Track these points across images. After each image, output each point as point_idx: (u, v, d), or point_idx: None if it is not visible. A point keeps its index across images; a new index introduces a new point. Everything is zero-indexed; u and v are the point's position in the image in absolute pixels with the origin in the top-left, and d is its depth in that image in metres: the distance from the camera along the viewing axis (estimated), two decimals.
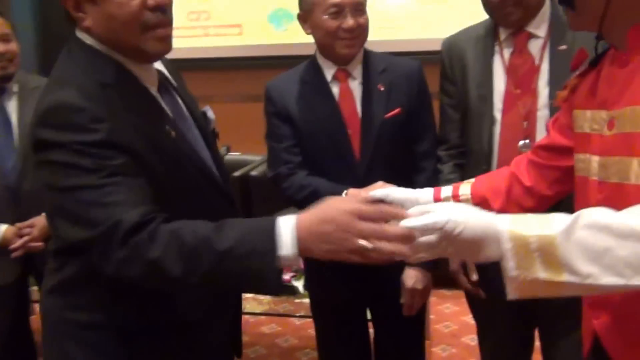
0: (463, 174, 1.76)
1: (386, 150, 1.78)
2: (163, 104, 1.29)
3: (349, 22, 1.70)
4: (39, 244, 2.10)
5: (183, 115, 1.34)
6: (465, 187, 1.41)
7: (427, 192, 1.39)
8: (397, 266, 1.79)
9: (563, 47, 1.59)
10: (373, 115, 1.77)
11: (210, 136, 1.41)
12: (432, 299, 2.65)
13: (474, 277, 1.72)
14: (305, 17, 1.79)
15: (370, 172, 1.75)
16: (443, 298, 3.54)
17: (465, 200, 1.36)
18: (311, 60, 1.87)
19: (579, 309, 1.36)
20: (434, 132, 1.87)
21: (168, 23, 1.22)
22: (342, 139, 1.79)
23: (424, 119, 1.83)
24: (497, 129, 1.65)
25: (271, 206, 4.01)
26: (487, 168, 1.64)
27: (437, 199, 1.38)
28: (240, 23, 4.49)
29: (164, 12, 1.19)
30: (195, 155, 1.31)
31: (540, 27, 1.63)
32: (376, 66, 1.81)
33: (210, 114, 1.44)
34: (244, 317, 3.22)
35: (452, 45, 1.77)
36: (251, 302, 2.70)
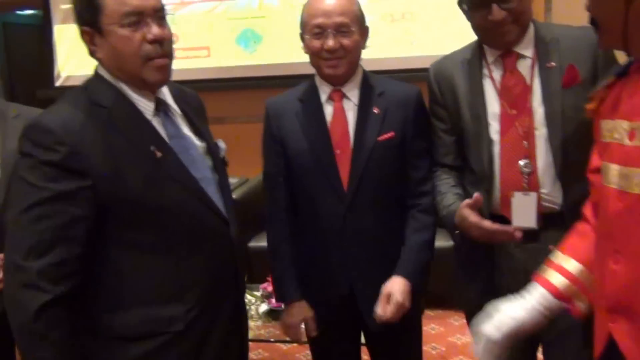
0: (463, 198, 1.71)
1: (376, 174, 1.77)
2: (157, 127, 1.41)
3: (329, 42, 1.71)
4: None
5: (182, 138, 1.44)
6: (570, 264, 1.36)
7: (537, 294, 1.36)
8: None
9: (552, 64, 1.60)
10: (365, 138, 1.76)
11: (219, 162, 1.51)
12: None
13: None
14: (302, 38, 1.81)
15: (356, 195, 1.75)
16: (428, 319, 3.47)
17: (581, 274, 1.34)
18: (311, 79, 1.89)
19: (585, 329, 1.37)
20: (430, 157, 1.85)
21: (165, 55, 1.38)
22: (328, 160, 1.78)
23: (421, 145, 1.82)
24: (496, 149, 1.64)
25: (250, 228, 3.99)
26: (489, 188, 1.64)
27: (556, 293, 1.35)
28: (209, 45, 4.45)
29: (162, 45, 1.36)
30: (183, 175, 1.39)
31: (527, 48, 1.63)
32: (374, 89, 1.81)
33: (222, 144, 1.55)
34: None
35: (440, 70, 1.76)
36: None
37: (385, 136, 1.77)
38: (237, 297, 1.53)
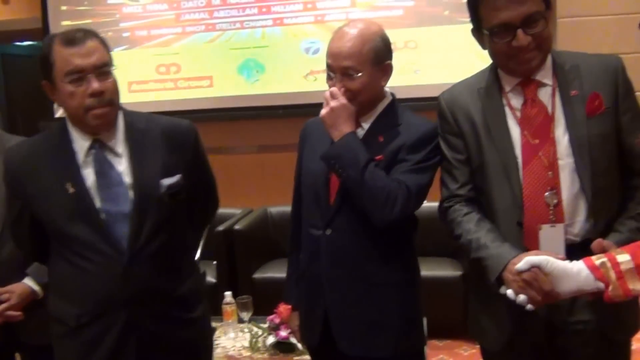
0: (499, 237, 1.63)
1: None
2: (83, 165, 1.68)
3: (333, 88, 1.74)
4: (18, 313, 1.99)
5: (110, 179, 1.68)
6: (623, 256, 1.38)
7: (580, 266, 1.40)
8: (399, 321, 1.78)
9: (575, 92, 1.57)
10: None
11: (150, 197, 1.68)
12: (426, 350, 2.56)
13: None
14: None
15: (337, 218, 1.78)
16: (436, 349, 3.47)
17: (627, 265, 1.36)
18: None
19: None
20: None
21: (106, 104, 1.62)
22: (322, 182, 1.82)
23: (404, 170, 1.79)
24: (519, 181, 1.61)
25: (255, 259, 3.98)
26: (520, 221, 1.58)
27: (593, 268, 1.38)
28: (211, 75, 4.47)
29: (102, 96, 1.60)
30: (88, 209, 1.65)
31: (547, 76, 1.60)
32: (391, 120, 1.81)
33: (167, 181, 1.70)
34: None
35: (453, 99, 1.71)
36: None
37: (377, 158, 1.75)
38: (135, 317, 1.69)
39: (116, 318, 1.68)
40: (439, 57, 4.13)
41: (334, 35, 1.77)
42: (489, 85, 1.66)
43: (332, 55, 1.73)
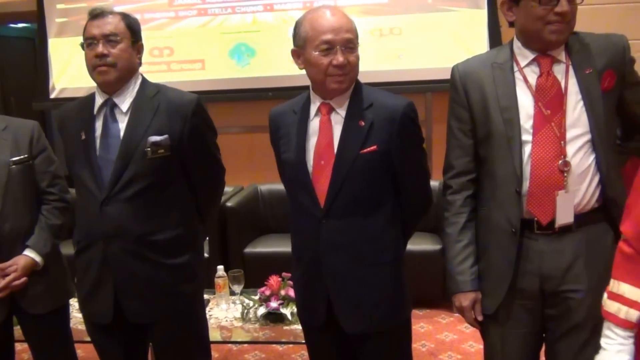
0: (476, 202, 1.79)
1: (356, 184, 1.80)
2: (97, 118, 1.98)
3: (339, 58, 1.74)
4: (22, 281, 2.12)
5: (109, 130, 1.96)
6: (635, 293, 1.42)
7: None
8: (384, 300, 1.85)
9: (589, 70, 1.65)
10: (348, 150, 1.80)
11: (135, 151, 1.94)
12: None
13: (480, 317, 1.80)
14: (298, 53, 1.82)
15: (334, 205, 1.80)
16: (417, 318, 3.60)
17: None
18: (307, 92, 1.91)
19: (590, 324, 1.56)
20: (423, 169, 1.92)
21: (106, 64, 1.92)
22: (303, 173, 1.84)
23: (409, 156, 1.85)
24: (527, 150, 1.66)
25: (245, 235, 4.10)
26: (519, 190, 1.66)
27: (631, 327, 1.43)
28: (203, 58, 4.58)
29: (105, 57, 1.91)
30: (89, 152, 1.96)
31: (560, 53, 1.67)
32: (363, 102, 1.82)
33: (154, 139, 1.94)
34: (228, 346, 3.27)
35: (468, 72, 1.76)
36: (238, 331, 2.72)
37: (369, 149, 1.79)
38: (111, 253, 1.96)
39: (97, 250, 1.96)
40: (422, 44, 4.26)
41: (317, 14, 1.77)
42: (504, 61, 1.72)
43: (333, 29, 1.73)
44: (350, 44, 1.76)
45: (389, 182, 1.86)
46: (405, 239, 1.96)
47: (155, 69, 4.54)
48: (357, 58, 1.79)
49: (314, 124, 1.86)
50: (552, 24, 1.60)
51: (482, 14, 4.16)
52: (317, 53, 1.75)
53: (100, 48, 1.90)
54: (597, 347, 1.56)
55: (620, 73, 1.66)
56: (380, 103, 1.82)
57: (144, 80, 2.04)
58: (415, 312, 3.55)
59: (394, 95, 1.88)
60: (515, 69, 1.71)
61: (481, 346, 3.14)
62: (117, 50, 1.92)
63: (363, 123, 1.80)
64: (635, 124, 1.74)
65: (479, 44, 4.10)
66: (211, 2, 4.51)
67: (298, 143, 1.85)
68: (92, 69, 1.94)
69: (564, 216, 1.64)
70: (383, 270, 1.86)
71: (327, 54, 1.74)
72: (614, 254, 1.51)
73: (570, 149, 1.64)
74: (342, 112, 1.83)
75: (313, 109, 1.86)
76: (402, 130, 1.80)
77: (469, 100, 1.75)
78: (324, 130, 1.84)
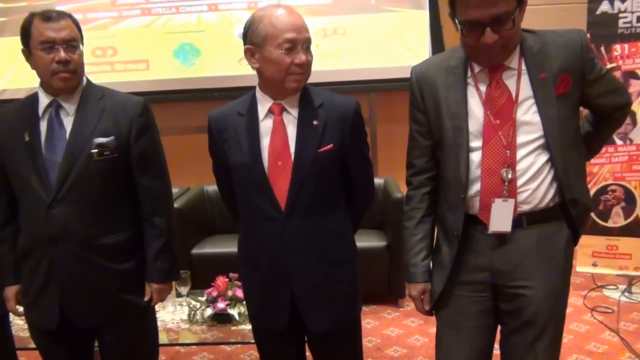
0: (434, 199, 1.83)
1: (315, 183, 1.81)
2: (40, 119, 1.96)
3: (302, 57, 1.74)
4: None
5: (55, 132, 1.94)
6: None
7: None
8: (335, 299, 1.88)
9: (544, 75, 1.65)
10: (306, 150, 1.80)
11: (81, 151, 1.93)
12: None
13: (427, 307, 1.88)
14: (253, 51, 1.79)
15: (296, 204, 1.81)
16: (364, 314, 3.57)
17: None
18: (251, 93, 1.89)
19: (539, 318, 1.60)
20: (369, 160, 1.98)
21: (68, 71, 1.91)
22: (260, 175, 1.82)
23: (358, 151, 1.89)
24: (476, 157, 1.69)
25: (192, 236, 4.07)
26: (464, 197, 1.70)
27: None
28: (147, 59, 4.54)
29: (66, 64, 1.90)
30: (35, 155, 1.92)
31: (513, 60, 1.67)
32: (313, 101, 1.84)
33: (99, 140, 1.94)
34: (175, 348, 3.25)
35: (423, 75, 1.78)
36: (185, 332, 2.70)
37: (325, 148, 1.80)
38: (58, 257, 1.93)
39: (42, 254, 1.93)
40: (366, 44, 4.32)
41: (277, 12, 1.76)
42: (458, 65, 1.72)
43: (295, 28, 1.73)
44: (309, 44, 1.78)
45: (340, 179, 1.89)
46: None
47: (99, 69, 4.47)
48: (312, 57, 1.81)
49: (266, 124, 1.84)
50: (481, 51, 1.61)
51: (424, 15, 4.25)
52: (279, 51, 1.74)
53: (63, 54, 1.88)
54: (547, 344, 1.63)
55: (579, 73, 1.66)
56: (329, 102, 1.85)
57: (89, 82, 2.02)
58: (362, 309, 3.57)
59: (340, 96, 1.91)
60: (469, 74, 1.71)
61: (426, 340, 3.27)
62: (76, 56, 1.92)
63: (317, 122, 1.81)
64: (604, 113, 1.79)
65: (421, 44, 4.20)
66: (155, 2, 4.47)
67: (251, 145, 1.83)
68: (52, 74, 1.89)
69: (499, 223, 1.68)
70: (344, 268, 1.90)
71: (289, 52, 1.74)
72: (569, 253, 1.54)
73: (520, 153, 1.66)
74: (295, 112, 1.83)
75: (262, 109, 1.85)
76: (354, 127, 1.85)
77: (424, 104, 1.77)
78: (278, 130, 1.83)
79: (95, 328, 2.02)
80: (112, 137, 1.93)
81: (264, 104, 1.85)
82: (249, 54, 1.81)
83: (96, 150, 1.91)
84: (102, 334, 2.04)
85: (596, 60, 1.71)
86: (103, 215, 1.94)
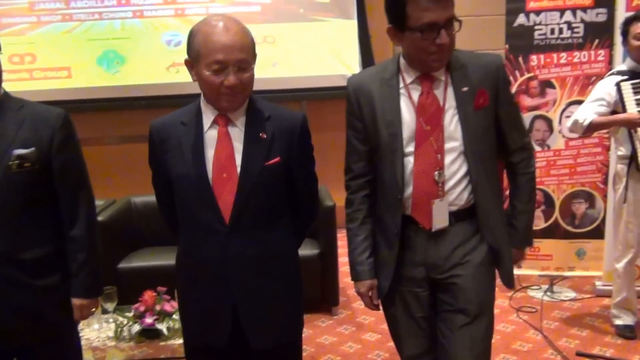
0: (373, 202, 1.92)
1: (261, 197, 1.78)
2: None
3: (230, 79, 1.69)
4: None
5: None
6: None
7: None
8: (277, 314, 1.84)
9: (465, 88, 1.79)
10: (252, 162, 1.77)
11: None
12: None
13: (376, 302, 1.95)
14: (191, 65, 1.75)
15: (240, 218, 1.77)
16: None
17: None
18: (196, 102, 1.84)
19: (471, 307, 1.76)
20: (314, 175, 1.97)
21: None
22: (203, 187, 1.78)
23: (304, 165, 1.89)
24: (410, 161, 1.81)
25: (119, 249, 3.95)
26: (400, 197, 1.82)
27: None
28: (69, 66, 4.39)
29: None
30: None
31: (441, 72, 1.80)
32: (260, 114, 1.81)
33: (17, 152, 1.85)
34: None
35: (359, 85, 1.88)
36: (112, 350, 2.60)
37: (272, 161, 1.78)
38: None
39: None
40: (296, 52, 4.35)
41: (211, 28, 1.70)
42: (391, 77, 1.83)
43: (224, 49, 1.67)
44: (243, 64, 1.70)
45: (285, 192, 1.86)
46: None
47: (16, 77, 4.31)
48: (252, 76, 1.75)
49: (210, 135, 1.79)
50: (434, 54, 1.71)
51: (353, 24, 4.32)
52: (208, 72, 1.69)
53: None
54: (475, 331, 1.76)
55: (494, 92, 1.80)
56: (277, 115, 1.82)
57: (6, 94, 1.94)
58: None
59: (285, 108, 1.89)
60: (401, 84, 1.82)
61: (359, 346, 3.30)
62: None
63: (265, 135, 1.78)
64: (509, 151, 1.93)
65: (350, 52, 4.26)
66: (76, 8, 4.35)
67: (195, 156, 1.78)
68: None
69: (440, 221, 1.82)
70: (288, 283, 1.87)
71: (217, 73, 1.69)
72: (480, 250, 1.76)
73: (447, 159, 1.80)
74: (241, 124, 1.79)
75: (207, 120, 1.80)
76: (301, 141, 1.84)
77: (361, 113, 1.86)
78: (223, 142, 1.78)
79: (15, 349, 1.92)
80: (32, 149, 1.86)
81: (208, 115, 1.80)
82: (189, 66, 1.77)
83: (16, 162, 1.84)
84: (22, 355, 1.94)
85: (510, 88, 1.88)
86: (23, 229, 1.86)
